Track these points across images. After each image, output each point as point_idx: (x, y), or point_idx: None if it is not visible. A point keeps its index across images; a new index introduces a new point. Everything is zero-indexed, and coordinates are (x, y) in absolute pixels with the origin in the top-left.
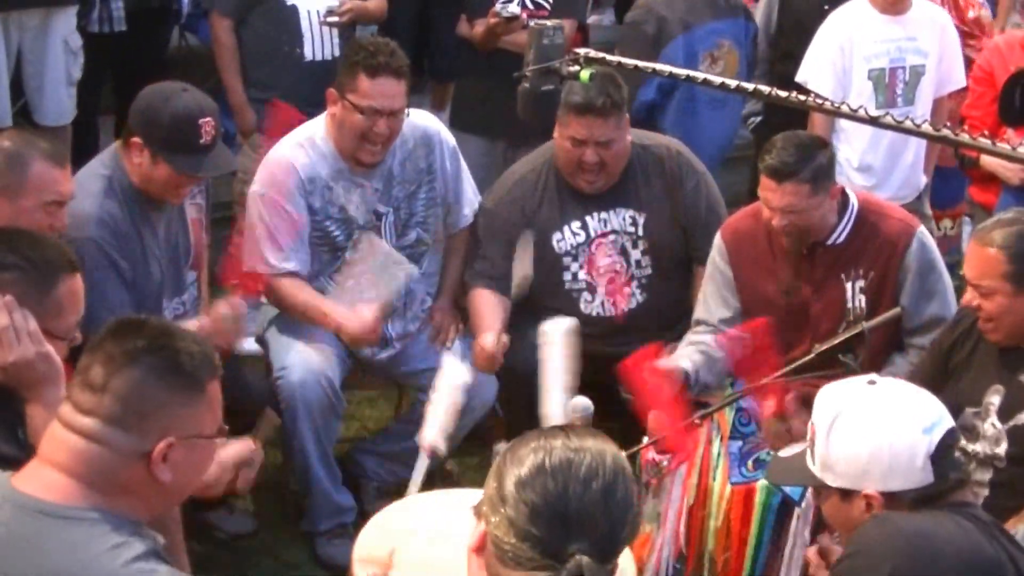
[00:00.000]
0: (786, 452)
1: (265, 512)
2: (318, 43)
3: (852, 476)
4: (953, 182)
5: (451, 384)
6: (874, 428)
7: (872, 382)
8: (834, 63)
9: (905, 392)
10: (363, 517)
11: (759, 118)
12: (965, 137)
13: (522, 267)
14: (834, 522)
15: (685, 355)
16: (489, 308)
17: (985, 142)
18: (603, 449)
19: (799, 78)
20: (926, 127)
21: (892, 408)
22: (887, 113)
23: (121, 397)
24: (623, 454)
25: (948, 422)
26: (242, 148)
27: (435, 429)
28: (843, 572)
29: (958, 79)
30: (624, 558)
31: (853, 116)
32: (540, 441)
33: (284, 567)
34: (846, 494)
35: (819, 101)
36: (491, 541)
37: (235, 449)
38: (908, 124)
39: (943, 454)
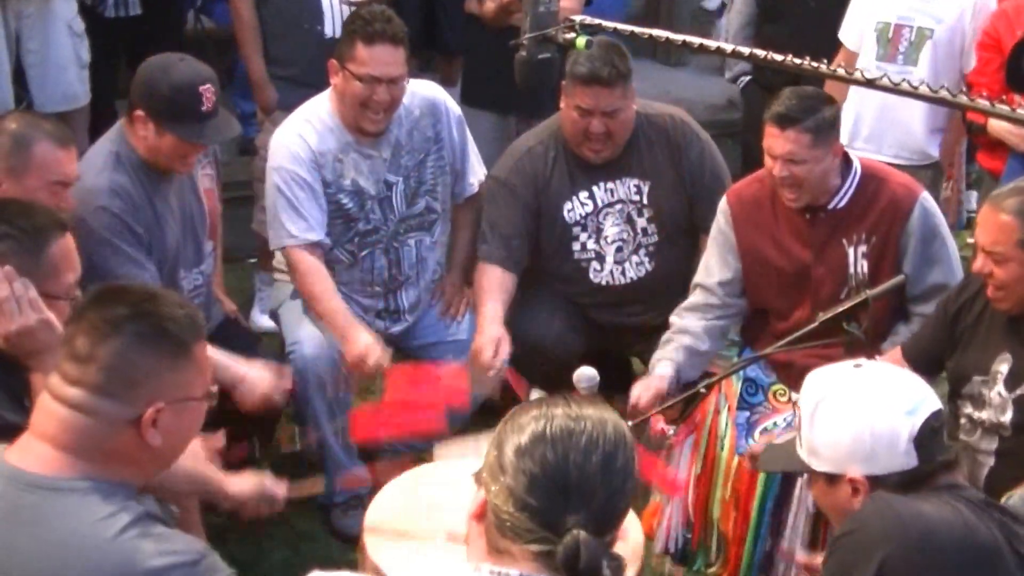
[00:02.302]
0: (780, 439)
1: None
2: (338, 21)
3: (836, 460)
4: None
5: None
6: (855, 412)
7: (858, 365)
8: (858, 16)
9: (889, 375)
10: (377, 489)
11: (748, 77)
12: (963, 99)
13: None
14: (822, 506)
15: (667, 357)
16: (493, 289)
17: (984, 103)
18: (604, 418)
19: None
20: (923, 89)
21: (874, 391)
22: (884, 75)
23: (107, 366)
24: (625, 424)
25: (933, 404)
26: (263, 125)
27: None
28: (839, 550)
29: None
30: (633, 527)
31: (848, 79)
32: (541, 409)
33: (299, 537)
34: (832, 479)
35: (814, 64)
36: (490, 510)
37: (250, 485)
38: (905, 86)
39: (928, 436)
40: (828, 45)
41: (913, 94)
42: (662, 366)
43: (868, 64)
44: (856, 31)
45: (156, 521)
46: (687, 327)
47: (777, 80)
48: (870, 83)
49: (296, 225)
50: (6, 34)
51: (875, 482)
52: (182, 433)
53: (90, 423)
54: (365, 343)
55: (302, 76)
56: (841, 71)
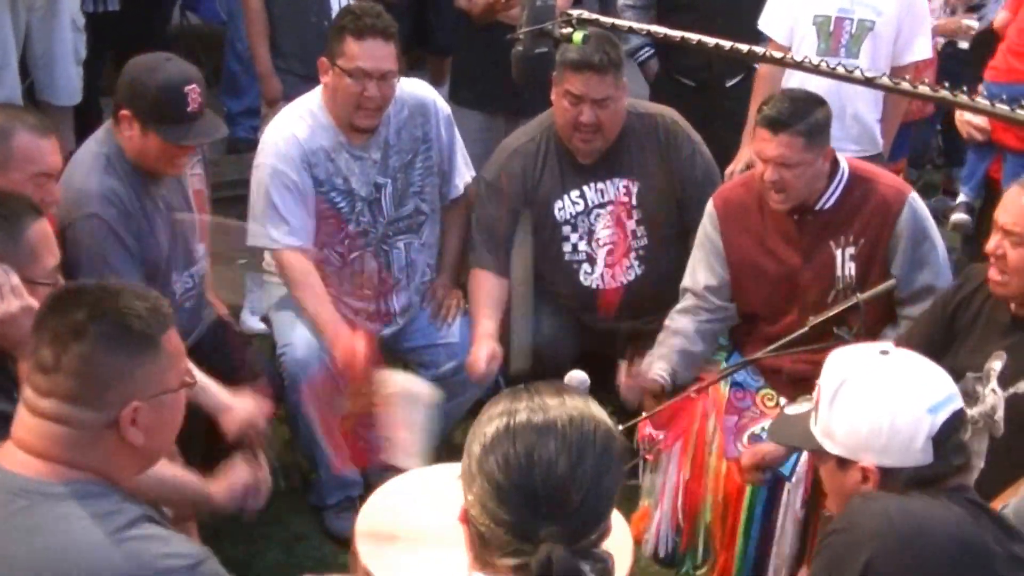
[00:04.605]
0: (793, 410)
1: (274, 485)
2: None
3: (851, 446)
4: (897, 137)
5: (418, 402)
6: (878, 401)
7: (885, 352)
8: (786, 9)
9: (916, 367)
10: (369, 490)
11: (648, 52)
12: (905, 86)
13: (521, 257)
14: (828, 488)
15: (663, 357)
16: (486, 303)
17: (945, 92)
18: (570, 416)
19: (760, 25)
20: (872, 77)
21: (900, 382)
22: (822, 60)
23: (75, 373)
24: (597, 416)
25: (956, 404)
26: (266, 118)
27: (407, 453)
28: (827, 548)
29: (922, 50)
30: (621, 532)
31: (798, 65)
32: (501, 407)
33: (293, 539)
34: (843, 462)
35: (775, 54)
36: (469, 519)
37: (242, 473)
38: (857, 75)
39: (946, 436)
40: (737, 31)
41: (848, 78)
42: (658, 367)
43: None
44: (785, 24)
45: (153, 522)
46: (679, 329)
47: (685, 65)
48: (869, 81)
49: (278, 229)
50: (15, 27)
51: (887, 474)
52: (164, 427)
53: (69, 432)
54: (351, 343)
55: (307, 70)
56: (848, 69)
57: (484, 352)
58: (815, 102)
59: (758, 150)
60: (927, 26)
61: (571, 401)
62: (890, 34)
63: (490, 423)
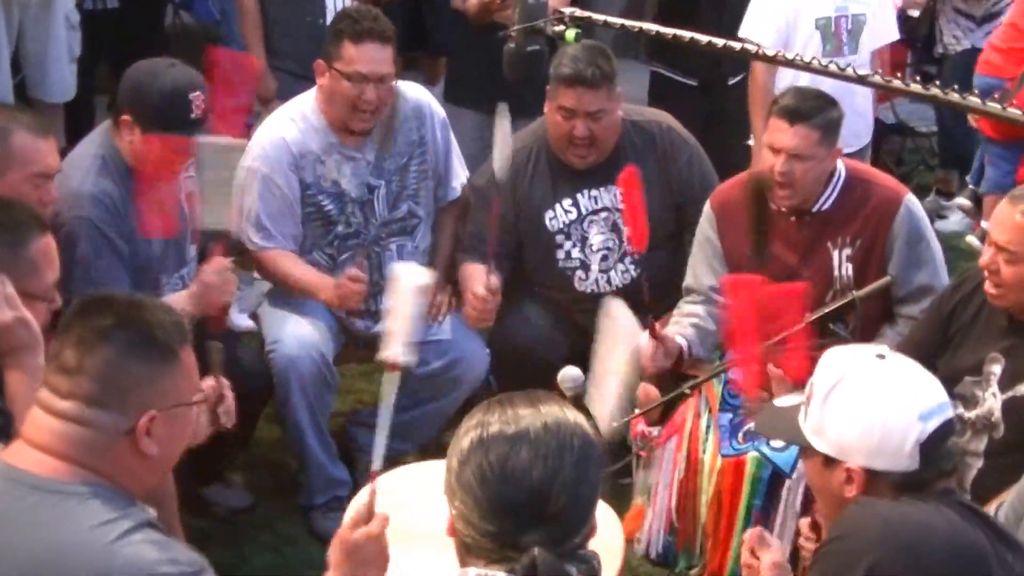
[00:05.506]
0: (783, 402)
1: (262, 487)
2: None
3: (839, 446)
4: None
5: (409, 287)
6: (871, 404)
7: (882, 356)
8: (777, 15)
9: (911, 374)
10: (357, 490)
11: None
12: (897, 83)
13: (501, 148)
14: (812, 484)
15: (678, 329)
16: (478, 275)
17: (936, 91)
18: (543, 423)
19: (742, 33)
20: (864, 76)
21: (894, 388)
22: (815, 59)
23: (98, 377)
24: (572, 419)
25: (948, 413)
26: (260, 116)
27: (398, 342)
28: (825, 557)
29: (892, 31)
30: (613, 530)
31: (803, 66)
32: (475, 420)
33: (281, 541)
34: (830, 461)
35: (768, 52)
36: (456, 531)
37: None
38: (850, 72)
39: (935, 444)
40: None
41: (841, 75)
42: (676, 338)
43: None
44: (774, 28)
45: (155, 529)
46: (690, 311)
47: (689, 64)
48: (861, 79)
49: (258, 233)
50: (7, 25)
51: (872, 476)
52: (176, 439)
53: (86, 434)
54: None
55: (302, 69)
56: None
57: (480, 285)
58: (830, 101)
59: (771, 140)
60: (892, 6)
61: (545, 408)
62: (880, 24)
63: (465, 436)
